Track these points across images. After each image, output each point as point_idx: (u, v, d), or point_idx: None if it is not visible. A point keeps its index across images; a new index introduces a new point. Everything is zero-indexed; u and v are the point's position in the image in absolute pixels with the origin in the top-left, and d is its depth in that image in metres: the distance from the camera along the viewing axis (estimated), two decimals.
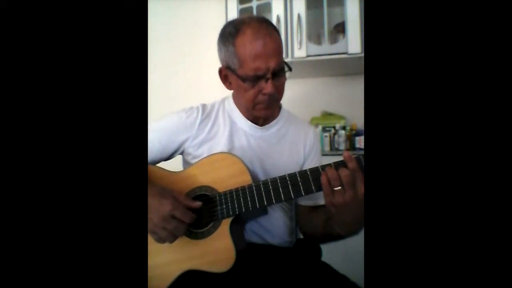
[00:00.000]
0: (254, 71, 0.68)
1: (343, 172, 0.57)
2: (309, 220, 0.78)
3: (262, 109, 0.74)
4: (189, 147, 0.79)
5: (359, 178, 0.57)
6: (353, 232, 0.69)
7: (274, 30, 0.72)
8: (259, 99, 0.72)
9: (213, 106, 0.84)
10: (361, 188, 0.57)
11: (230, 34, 0.71)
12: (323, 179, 0.59)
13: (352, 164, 0.57)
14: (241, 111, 0.81)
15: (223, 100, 0.86)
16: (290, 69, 0.74)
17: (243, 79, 0.70)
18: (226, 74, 0.76)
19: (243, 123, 0.80)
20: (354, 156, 0.59)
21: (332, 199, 0.59)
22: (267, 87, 0.69)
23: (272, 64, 0.68)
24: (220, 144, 0.77)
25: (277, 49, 0.70)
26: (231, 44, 0.70)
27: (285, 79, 0.74)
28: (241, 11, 1.60)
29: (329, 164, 0.61)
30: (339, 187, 0.57)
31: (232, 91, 0.83)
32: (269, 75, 0.68)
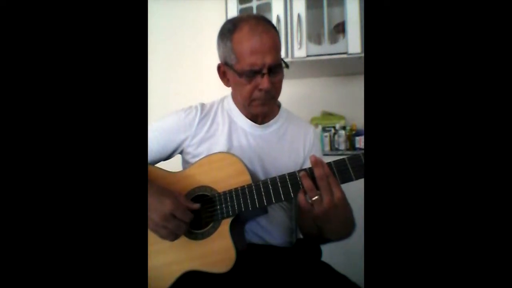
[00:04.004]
0: (250, 66, 0.69)
1: (319, 174, 0.57)
2: (306, 221, 0.78)
3: (258, 106, 0.74)
4: (188, 147, 0.79)
5: (332, 182, 0.58)
6: (342, 237, 0.69)
7: (272, 27, 0.73)
8: (255, 95, 0.72)
9: (212, 105, 0.84)
10: (337, 193, 0.57)
11: (228, 30, 0.72)
12: (300, 196, 0.59)
13: (325, 169, 0.58)
14: (240, 109, 0.81)
15: (222, 99, 0.86)
16: (287, 66, 0.74)
17: (240, 74, 0.71)
18: (224, 71, 0.77)
19: (242, 122, 0.80)
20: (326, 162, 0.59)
21: (312, 210, 0.59)
22: (263, 82, 0.70)
23: (268, 60, 0.69)
24: (219, 143, 0.77)
25: (274, 46, 0.70)
26: (228, 40, 0.71)
27: (282, 76, 0.75)
28: (241, 11, 1.60)
29: (305, 170, 0.61)
30: (316, 197, 0.58)
31: (231, 90, 0.83)
32: (265, 71, 0.69)
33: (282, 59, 0.73)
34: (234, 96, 0.83)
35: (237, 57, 0.70)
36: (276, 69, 0.71)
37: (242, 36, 0.69)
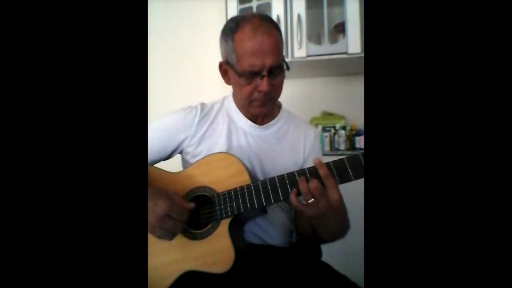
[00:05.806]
0: (250, 67, 0.68)
1: (312, 185, 0.57)
2: (301, 221, 0.79)
3: (257, 107, 0.74)
4: (188, 146, 0.79)
5: (330, 184, 0.58)
6: (337, 237, 0.70)
7: (275, 28, 0.72)
8: (255, 96, 0.72)
9: (212, 105, 0.84)
10: (334, 195, 0.57)
11: (230, 29, 0.71)
12: (292, 198, 0.60)
13: (323, 171, 0.58)
14: (240, 109, 0.81)
15: (224, 99, 0.86)
16: (287, 68, 0.74)
17: (240, 74, 0.70)
18: (225, 69, 0.77)
19: (242, 122, 0.80)
20: (325, 162, 0.60)
21: (308, 212, 0.59)
22: (262, 84, 0.69)
23: (268, 62, 0.68)
24: (218, 143, 0.77)
25: (275, 47, 0.69)
26: (230, 39, 0.71)
27: (282, 77, 0.74)
28: (241, 11, 1.59)
29: (304, 171, 0.61)
30: (312, 200, 0.58)
31: (232, 90, 0.83)
32: (264, 73, 0.69)
33: (284, 61, 0.72)
34: (234, 96, 0.83)
35: (238, 57, 0.70)
36: (276, 71, 0.71)
37: (244, 36, 0.69)
